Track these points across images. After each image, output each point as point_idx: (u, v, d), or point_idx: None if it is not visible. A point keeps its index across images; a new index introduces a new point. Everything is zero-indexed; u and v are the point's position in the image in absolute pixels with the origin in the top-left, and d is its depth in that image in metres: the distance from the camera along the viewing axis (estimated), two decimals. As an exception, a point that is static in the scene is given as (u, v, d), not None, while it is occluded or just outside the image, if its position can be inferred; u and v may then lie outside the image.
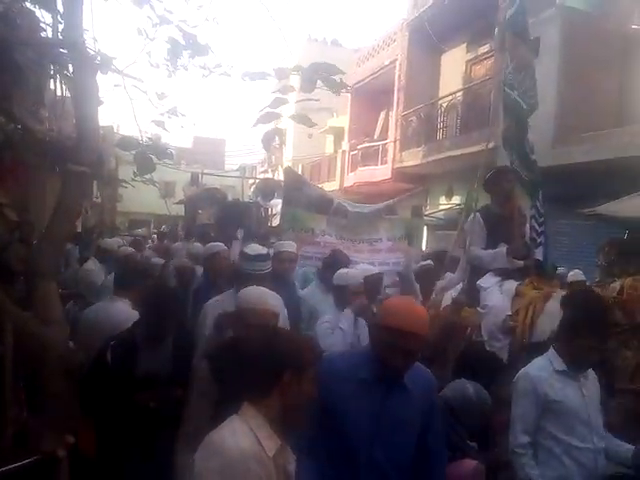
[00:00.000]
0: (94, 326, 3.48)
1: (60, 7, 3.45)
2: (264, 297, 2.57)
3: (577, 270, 5.76)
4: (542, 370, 2.58)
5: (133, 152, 2.53)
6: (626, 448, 2.53)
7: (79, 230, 10.31)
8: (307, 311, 4.10)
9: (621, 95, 9.50)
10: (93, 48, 3.19)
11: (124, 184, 10.24)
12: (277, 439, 1.65)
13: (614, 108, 9.48)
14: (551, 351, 2.64)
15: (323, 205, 5.35)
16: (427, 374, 2.15)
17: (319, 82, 2.44)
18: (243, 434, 1.59)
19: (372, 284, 4.19)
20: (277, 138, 2.63)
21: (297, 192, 5.24)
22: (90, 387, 2.75)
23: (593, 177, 7.76)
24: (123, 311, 3.45)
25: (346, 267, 4.24)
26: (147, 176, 4.93)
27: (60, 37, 3.29)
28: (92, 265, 5.74)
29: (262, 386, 1.68)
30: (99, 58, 3.00)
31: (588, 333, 2.46)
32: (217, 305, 3.17)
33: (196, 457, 1.59)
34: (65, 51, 3.16)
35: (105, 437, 2.77)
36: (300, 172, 21.69)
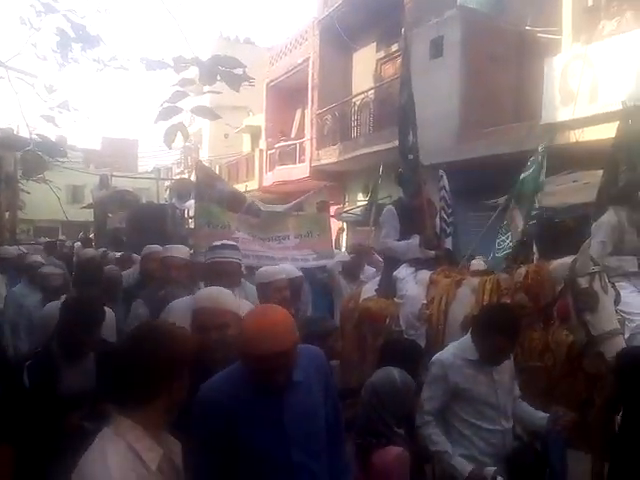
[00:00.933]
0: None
1: None
2: (220, 296, 2.30)
3: (479, 260, 6.04)
4: (455, 357, 2.70)
5: (20, 152, 2.32)
6: (540, 415, 2.75)
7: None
8: None
9: (517, 91, 10.13)
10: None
11: (24, 190, 9.57)
12: (158, 447, 1.52)
13: (512, 104, 10.09)
14: (466, 339, 2.75)
15: (235, 203, 5.26)
16: (313, 350, 2.05)
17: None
18: (116, 456, 1.42)
19: (295, 287, 4.08)
20: (181, 134, 2.49)
21: (210, 189, 5.12)
22: (7, 412, 2.42)
23: (495, 170, 8.21)
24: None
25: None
26: (50, 180, 4.62)
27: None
28: None
29: (144, 393, 1.51)
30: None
31: (501, 335, 2.59)
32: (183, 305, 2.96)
33: None
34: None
35: (28, 463, 2.44)
36: (217, 172, 21.33)
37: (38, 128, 2.69)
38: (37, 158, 2.15)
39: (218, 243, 3.14)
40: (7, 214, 14.51)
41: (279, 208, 5.70)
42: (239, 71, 2.40)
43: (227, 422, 1.79)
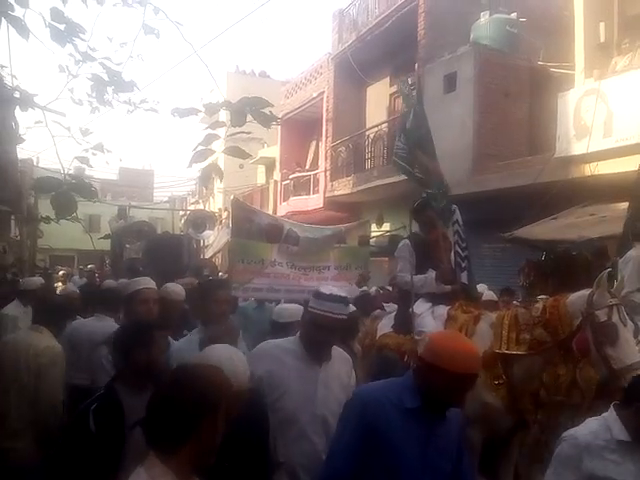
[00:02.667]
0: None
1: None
2: (233, 362, 2.06)
3: (489, 291, 6.01)
4: (595, 436, 2.15)
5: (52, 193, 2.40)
6: None
7: (-5, 269, 9.69)
8: None
9: (531, 125, 10.22)
10: (11, 84, 3.07)
11: (46, 221, 9.77)
12: None
13: (526, 138, 10.18)
14: (611, 413, 2.20)
15: (273, 233, 5.35)
16: None
17: (249, 116, 2.47)
18: None
19: (350, 322, 3.61)
20: (215, 174, 2.58)
21: (248, 223, 5.22)
22: (73, 462, 2.20)
23: (510, 203, 8.24)
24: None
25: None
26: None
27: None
28: (13, 309, 5.50)
29: (175, 437, 1.46)
30: (18, 94, 2.88)
31: None
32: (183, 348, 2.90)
33: None
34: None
35: None
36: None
37: (72, 169, 2.79)
38: (70, 199, 2.23)
39: (326, 292, 2.51)
40: (28, 242, 14.78)
41: (317, 233, 5.73)
42: (267, 110, 2.50)
43: (384, 422, 1.96)
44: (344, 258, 5.62)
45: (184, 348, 2.97)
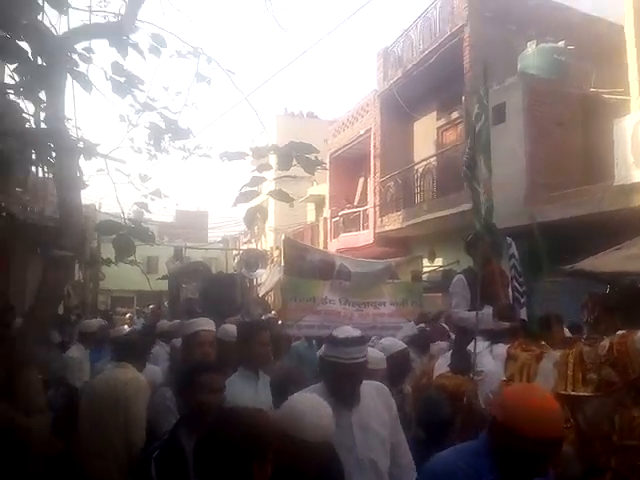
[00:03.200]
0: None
1: (43, 97, 3.56)
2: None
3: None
4: None
5: (113, 236, 2.53)
6: None
7: (60, 312, 10.12)
8: None
9: (586, 154, 9.92)
10: (76, 135, 3.28)
11: (107, 263, 10.21)
12: None
13: (581, 166, 9.87)
14: None
15: (326, 270, 5.40)
16: None
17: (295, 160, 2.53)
18: None
19: (399, 361, 3.74)
20: (259, 214, 2.66)
21: (300, 261, 5.29)
22: None
23: (568, 234, 7.95)
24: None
25: None
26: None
27: (43, 126, 3.38)
28: (76, 352, 5.67)
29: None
30: (82, 144, 3.08)
31: None
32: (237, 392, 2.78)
33: None
34: (48, 140, 3.24)
35: None
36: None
37: (131, 213, 2.94)
38: (129, 242, 2.34)
39: (340, 336, 2.38)
40: (91, 285, 15.42)
41: (367, 267, 5.73)
42: (312, 156, 2.56)
43: None
44: (399, 294, 5.60)
45: (238, 391, 2.90)
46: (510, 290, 4.10)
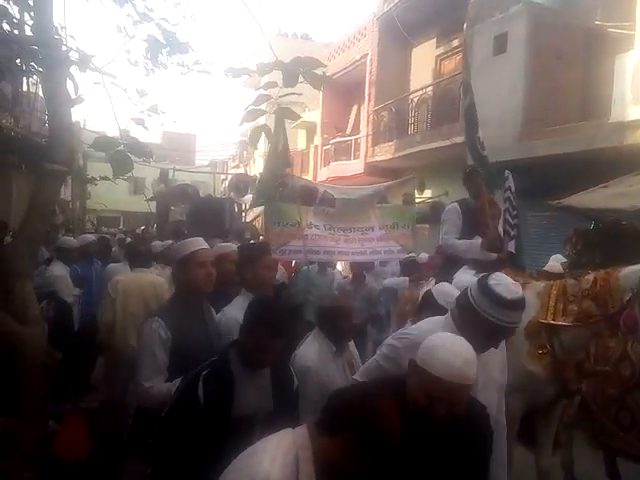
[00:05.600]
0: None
1: (31, 1, 3.37)
2: None
3: (555, 262, 5.85)
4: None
5: (110, 152, 2.46)
6: None
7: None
8: None
9: (584, 89, 9.77)
10: (71, 46, 3.15)
11: (94, 181, 10.09)
12: None
13: (578, 102, 9.75)
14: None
15: (308, 196, 5.31)
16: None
17: (300, 77, 2.46)
18: (283, 465, 1.47)
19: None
20: (265, 135, 2.57)
21: (282, 187, 5.20)
22: (174, 427, 2.10)
23: (559, 170, 7.97)
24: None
25: None
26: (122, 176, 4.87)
27: (31, 34, 3.23)
28: (59, 269, 5.78)
29: (329, 425, 1.54)
30: (78, 55, 2.95)
31: None
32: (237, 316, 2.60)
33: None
34: (37, 48, 3.11)
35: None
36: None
37: (129, 130, 2.86)
38: (126, 158, 2.30)
39: (508, 297, 2.11)
40: (77, 203, 15.29)
41: (354, 194, 5.62)
42: (319, 71, 2.48)
43: None
44: (389, 217, 5.45)
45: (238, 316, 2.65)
46: (502, 222, 4.16)
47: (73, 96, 3.18)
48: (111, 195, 22.75)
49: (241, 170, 27.07)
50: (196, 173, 25.35)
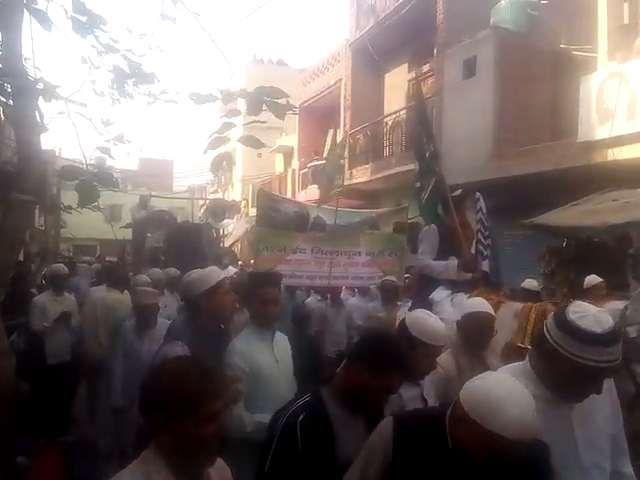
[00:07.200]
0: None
1: (-1, 34, 3.36)
2: None
3: (531, 280, 5.92)
4: None
5: (76, 181, 2.44)
6: None
7: (20, 259, 9.90)
8: None
9: (553, 110, 10.04)
10: (35, 76, 3.13)
11: (68, 210, 9.97)
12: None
13: (547, 122, 10.00)
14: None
15: (301, 222, 5.34)
16: None
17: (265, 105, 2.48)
18: None
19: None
20: (225, 162, 2.57)
21: (273, 213, 5.22)
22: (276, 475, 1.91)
23: (530, 189, 8.13)
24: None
25: None
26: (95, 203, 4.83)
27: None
28: (42, 296, 5.83)
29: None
30: (42, 85, 2.94)
31: None
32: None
33: None
34: (4, 79, 3.09)
35: None
36: (250, 192, 21.67)
37: (93, 159, 2.85)
38: (92, 188, 2.28)
39: (589, 329, 1.67)
40: (52, 232, 15.03)
41: (344, 220, 5.65)
42: (283, 101, 2.51)
43: None
44: (377, 244, 5.53)
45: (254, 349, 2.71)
46: (474, 243, 4.22)
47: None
48: (87, 223, 22.41)
49: (219, 195, 27.03)
50: (174, 199, 25.23)
